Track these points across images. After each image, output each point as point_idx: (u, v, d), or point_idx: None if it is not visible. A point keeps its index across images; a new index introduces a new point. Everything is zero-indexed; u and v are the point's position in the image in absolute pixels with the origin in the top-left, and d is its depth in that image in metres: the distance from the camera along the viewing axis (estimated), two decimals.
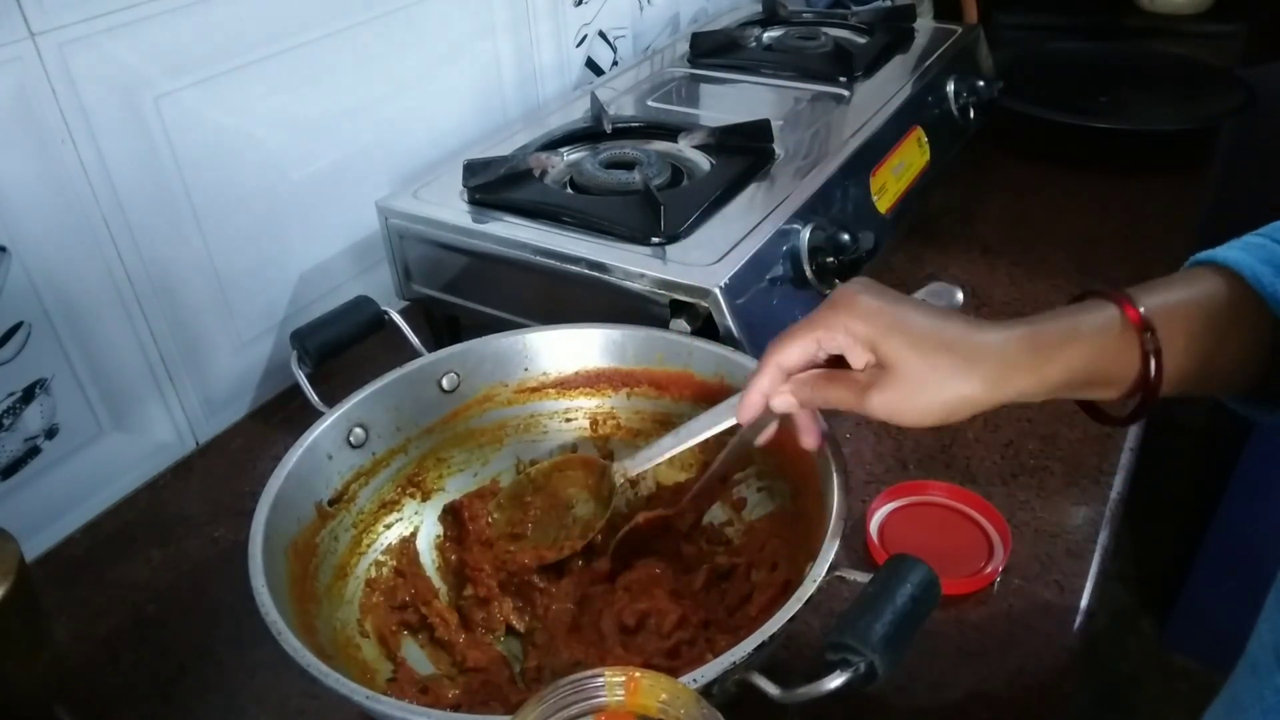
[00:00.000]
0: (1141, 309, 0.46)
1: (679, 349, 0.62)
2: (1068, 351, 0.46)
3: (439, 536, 0.62)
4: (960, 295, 0.59)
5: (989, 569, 0.60)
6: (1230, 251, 0.49)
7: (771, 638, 0.42)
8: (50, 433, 0.66)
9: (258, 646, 0.52)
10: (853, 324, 0.47)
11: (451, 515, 0.62)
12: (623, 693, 0.35)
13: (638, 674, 0.35)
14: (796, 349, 0.50)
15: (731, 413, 0.54)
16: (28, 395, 0.64)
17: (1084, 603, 0.58)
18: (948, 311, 0.48)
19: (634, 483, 0.64)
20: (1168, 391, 0.47)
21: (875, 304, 0.48)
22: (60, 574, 0.65)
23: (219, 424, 0.78)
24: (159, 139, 0.67)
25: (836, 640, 0.40)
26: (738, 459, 0.58)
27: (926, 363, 0.46)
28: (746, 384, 0.51)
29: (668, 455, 0.58)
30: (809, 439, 0.52)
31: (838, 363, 0.49)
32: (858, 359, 0.48)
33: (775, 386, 0.50)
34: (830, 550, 0.45)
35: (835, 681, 0.39)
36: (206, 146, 0.70)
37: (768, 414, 0.52)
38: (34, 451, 0.65)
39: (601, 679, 0.35)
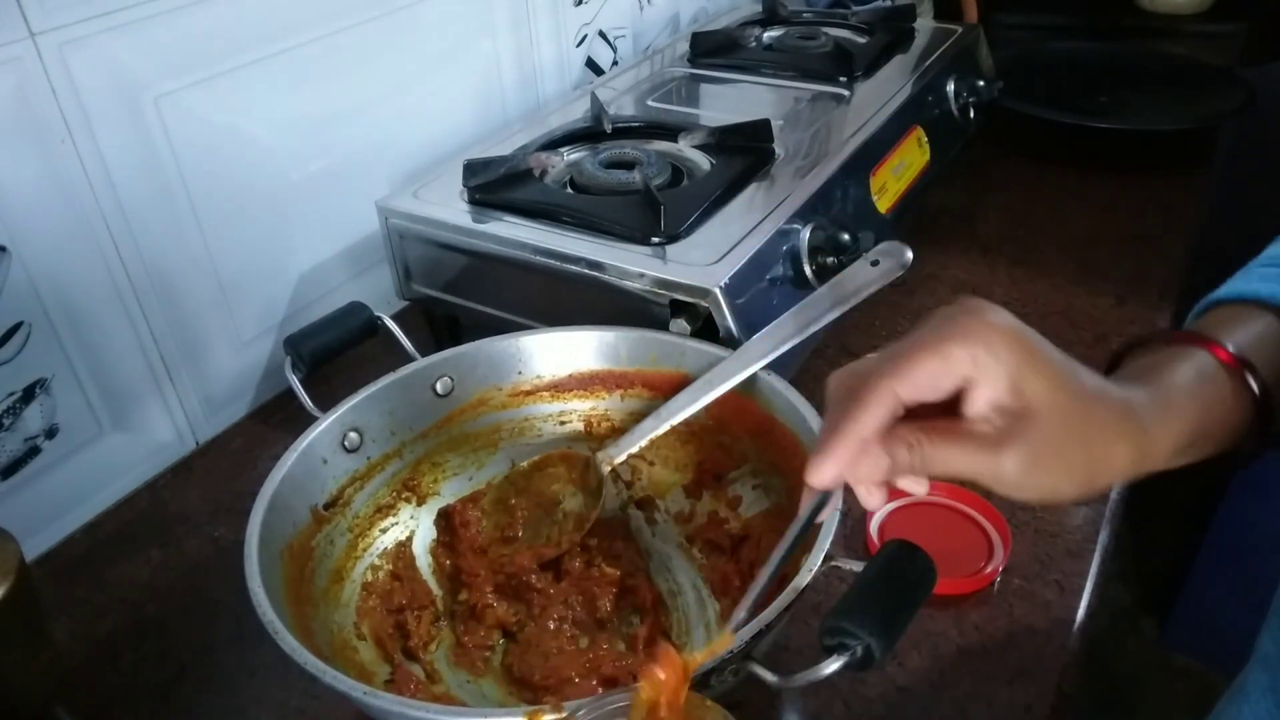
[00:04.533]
0: (1231, 348, 0.40)
1: (672, 349, 0.62)
2: (1187, 410, 0.39)
3: (434, 541, 0.62)
4: (910, 254, 0.57)
5: (989, 569, 0.60)
6: (1248, 285, 0.43)
7: (769, 626, 0.42)
8: (50, 433, 0.66)
9: (258, 646, 0.52)
10: (992, 352, 0.35)
11: (445, 520, 0.62)
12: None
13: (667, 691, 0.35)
14: (881, 403, 0.37)
15: (708, 387, 0.53)
16: (28, 395, 0.64)
17: (1084, 603, 0.58)
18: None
19: (627, 482, 0.64)
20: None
21: (1011, 326, 0.36)
22: (60, 574, 0.65)
23: (219, 424, 0.78)
24: (159, 139, 0.67)
25: (833, 624, 0.40)
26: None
27: (1085, 411, 0.36)
28: (817, 447, 0.39)
29: (649, 437, 0.59)
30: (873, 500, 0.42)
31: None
32: (979, 402, 0.36)
33: (855, 456, 0.38)
34: (826, 540, 0.46)
35: (833, 665, 0.39)
36: (206, 146, 0.70)
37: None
38: (34, 451, 0.65)
39: (627, 697, 0.35)
